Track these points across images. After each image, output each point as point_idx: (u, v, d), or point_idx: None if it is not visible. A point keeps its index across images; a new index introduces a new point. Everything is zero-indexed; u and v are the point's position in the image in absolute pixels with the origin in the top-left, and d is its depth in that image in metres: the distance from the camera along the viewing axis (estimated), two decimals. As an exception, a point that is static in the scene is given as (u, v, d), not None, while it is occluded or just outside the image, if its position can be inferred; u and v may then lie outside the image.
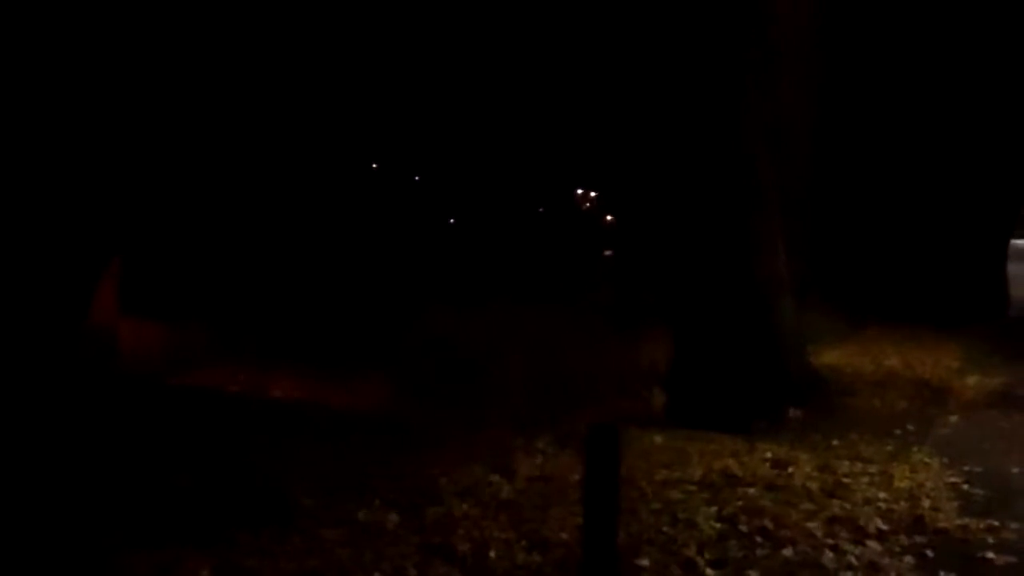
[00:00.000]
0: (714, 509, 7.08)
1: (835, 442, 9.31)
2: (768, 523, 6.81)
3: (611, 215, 35.37)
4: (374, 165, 34.88)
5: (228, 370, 13.68)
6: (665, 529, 6.66)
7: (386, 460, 8.42)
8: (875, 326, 17.00)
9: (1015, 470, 8.54)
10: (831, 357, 13.77)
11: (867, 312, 17.95)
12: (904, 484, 7.92)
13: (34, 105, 11.15)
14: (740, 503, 7.21)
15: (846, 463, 8.48)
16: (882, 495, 7.60)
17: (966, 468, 8.53)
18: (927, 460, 8.77)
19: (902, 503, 7.44)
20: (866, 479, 8.03)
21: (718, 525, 6.75)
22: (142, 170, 13.38)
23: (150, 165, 13.69)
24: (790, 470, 8.13)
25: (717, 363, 10.32)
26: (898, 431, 9.96)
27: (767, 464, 8.34)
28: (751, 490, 7.57)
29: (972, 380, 12.82)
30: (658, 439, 9.16)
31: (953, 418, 10.70)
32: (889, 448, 9.15)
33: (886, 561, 6.31)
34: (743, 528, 6.73)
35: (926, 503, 7.45)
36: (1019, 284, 22.44)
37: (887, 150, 20.17)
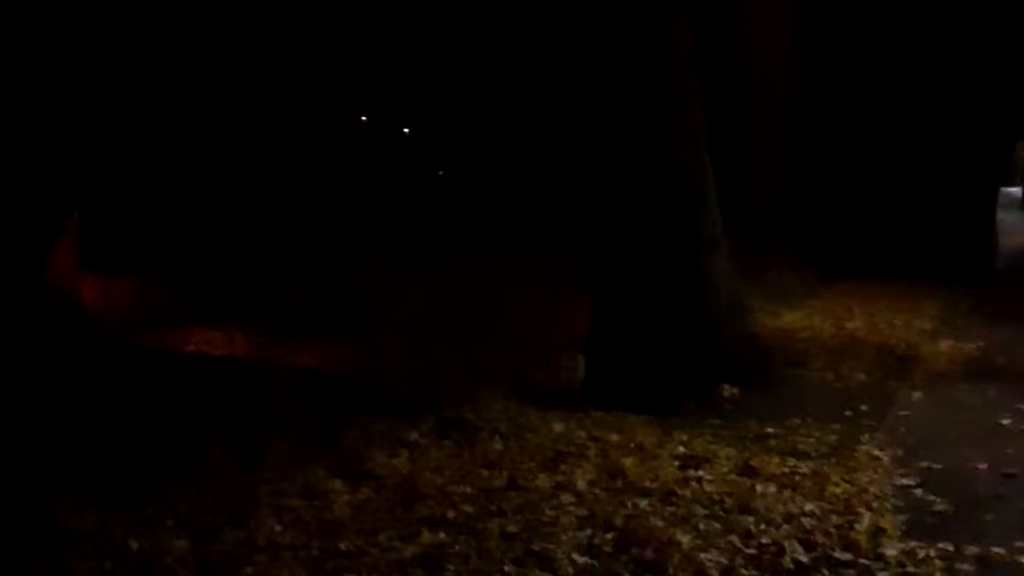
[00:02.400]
0: (585, 534, 5.40)
1: (769, 429, 7.66)
2: (649, 554, 5.13)
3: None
4: (363, 118, 33.00)
5: (191, 328, 12.53)
6: (508, 570, 4.97)
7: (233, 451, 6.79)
8: (846, 282, 15.28)
9: (982, 466, 6.89)
10: (788, 319, 12.12)
11: (840, 267, 16.25)
12: (841, 490, 6.26)
13: None
14: (622, 523, 5.54)
15: (775, 460, 6.82)
16: (810, 507, 5.93)
17: (923, 464, 6.89)
18: (876, 453, 7.13)
19: (834, 519, 5.76)
20: (795, 483, 6.35)
21: (581, 560, 5.07)
22: (101, 118, 12.87)
23: (110, 112, 13.19)
24: (700, 472, 6.45)
25: (638, 332, 8.65)
26: (848, 412, 8.31)
27: (675, 463, 6.68)
28: (643, 502, 5.91)
29: (945, 345, 11.17)
30: (557, 427, 7.50)
31: (917, 395, 9.04)
32: (833, 437, 7.49)
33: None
34: (614, 565, 5.05)
35: (865, 519, 5.77)
36: (1009, 234, 20.69)
37: (867, 92, 18.40)
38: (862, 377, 9.63)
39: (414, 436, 7.18)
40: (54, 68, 11.40)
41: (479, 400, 7.99)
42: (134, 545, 5.22)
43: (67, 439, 7.07)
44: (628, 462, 6.58)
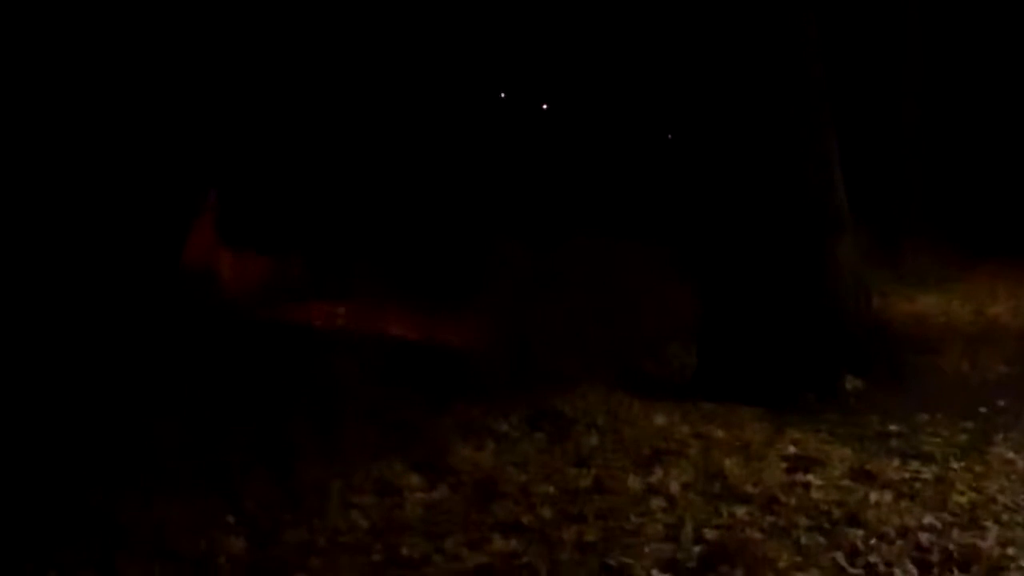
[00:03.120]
0: (670, 547, 4.86)
1: (892, 426, 6.99)
2: (739, 573, 4.57)
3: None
4: (502, 94, 32.48)
5: (326, 304, 12.14)
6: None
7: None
8: (991, 263, 14.25)
9: None
10: (924, 303, 11.30)
11: (988, 246, 15.19)
12: (967, 500, 5.58)
13: (132, 36, 10.93)
14: (713, 535, 4.98)
15: (895, 463, 6.16)
16: (930, 519, 5.27)
17: (1064, 471, 6.13)
18: (1010, 456, 6.39)
19: (955, 534, 5.10)
20: (914, 491, 5.69)
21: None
22: (240, 103, 13.17)
23: (248, 97, 13.48)
24: (809, 476, 5.84)
25: (754, 319, 8.02)
26: (983, 408, 7.55)
27: (783, 465, 6.07)
28: (741, 510, 5.34)
29: (1099, 334, 10.22)
30: (659, 421, 6.95)
31: (1062, 389, 8.19)
32: (963, 437, 6.79)
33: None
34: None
35: (991, 535, 5.09)
36: None
37: (1006, 61, 17.22)
38: (1002, 368, 8.82)
39: (504, 427, 6.73)
40: (195, 51, 11.74)
41: (579, 389, 7.48)
42: (188, 545, 4.86)
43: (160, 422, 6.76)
44: (730, 462, 6.00)
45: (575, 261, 14.02)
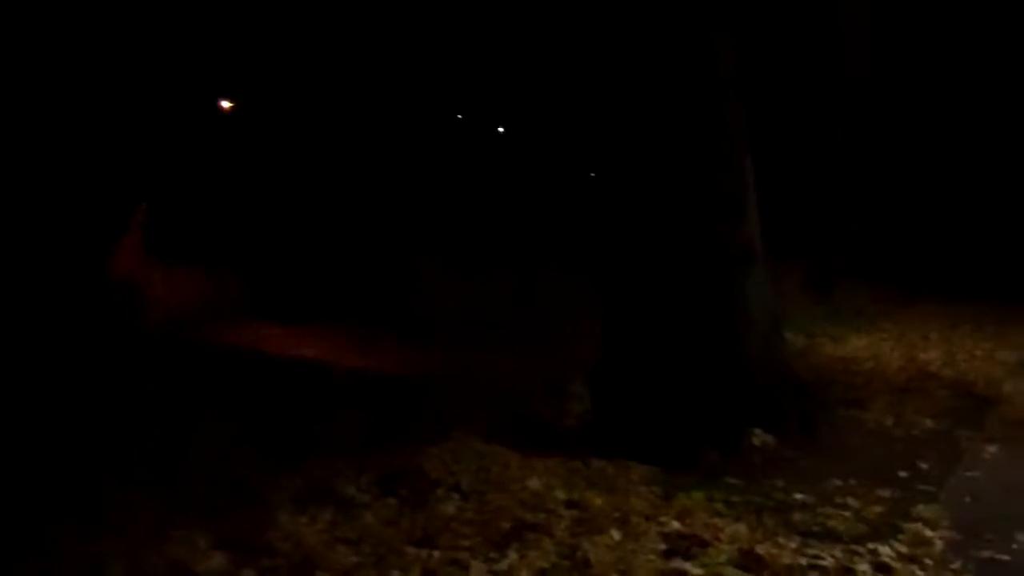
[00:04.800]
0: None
1: (798, 495, 6.04)
2: None
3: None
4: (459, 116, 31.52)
5: (250, 324, 12.28)
6: None
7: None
8: (927, 303, 13.42)
9: (1066, 558, 5.17)
10: (853, 346, 10.42)
11: (923, 287, 14.38)
12: (871, 594, 4.60)
13: (63, 49, 10.68)
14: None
15: (793, 544, 5.20)
16: (822, 623, 4.28)
17: (985, 553, 5.22)
18: (928, 534, 5.45)
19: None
20: (812, 581, 4.72)
21: None
22: (170, 112, 12.97)
23: (179, 106, 13.27)
24: (688, 565, 4.85)
25: (651, 363, 7.07)
26: (903, 472, 6.65)
27: (662, 546, 5.09)
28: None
29: (1032, 384, 9.35)
30: (532, 484, 5.95)
31: (991, 449, 7.34)
32: (877, 509, 5.86)
33: None
34: None
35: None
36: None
37: (955, 100, 16.52)
38: (928, 423, 7.92)
39: (351, 490, 5.72)
40: (123, 66, 11.45)
41: (452, 442, 6.47)
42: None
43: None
44: (599, 544, 5.01)
45: (503, 286, 13.27)
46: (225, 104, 19.73)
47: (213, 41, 13.62)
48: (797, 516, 5.67)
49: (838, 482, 6.34)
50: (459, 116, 30.35)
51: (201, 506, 5.33)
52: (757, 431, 7.04)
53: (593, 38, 8.01)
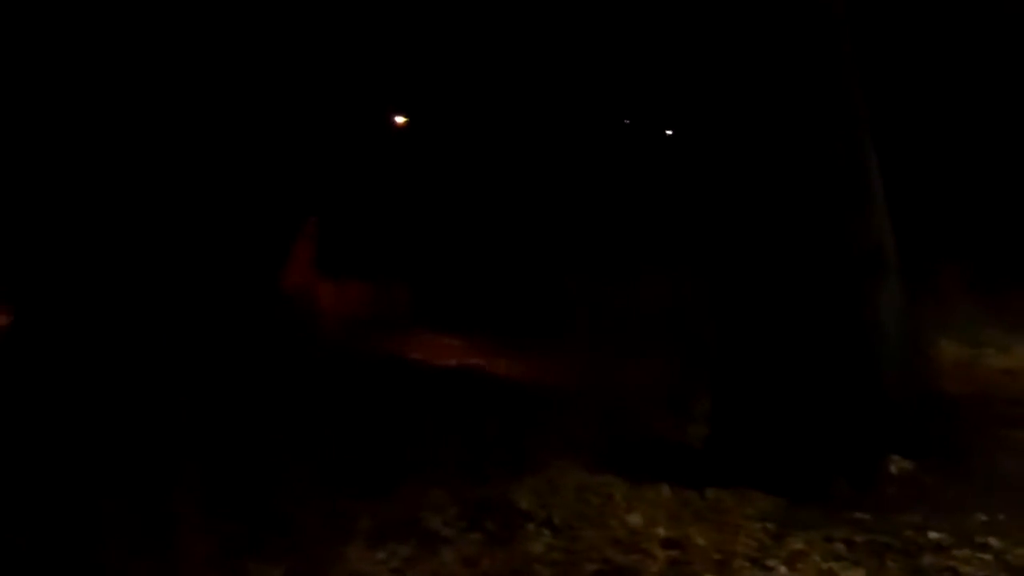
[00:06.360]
0: None
1: (933, 533, 5.31)
2: None
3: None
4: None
5: (419, 334, 12.21)
6: None
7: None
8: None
9: None
10: (1014, 358, 9.39)
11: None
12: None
13: (239, 63, 10.68)
14: None
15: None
16: None
17: None
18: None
19: None
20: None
21: None
22: (340, 125, 12.84)
23: (349, 118, 13.17)
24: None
25: (774, 383, 6.40)
26: (1062, 506, 5.78)
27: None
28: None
29: None
30: (633, 519, 5.45)
31: None
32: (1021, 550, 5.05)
33: None
34: None
35: None
36: None
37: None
38: (1098, 448, 6.97)
39: (436, 523, 5.27)
40: (295, 78, 11.24)
41: (551, 470, 5.97)
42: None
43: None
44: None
45: (642, 297, 12.80)
46: (399, 119, 19.82)
47: (386, 56, 13.63)
48: (927, 560, 4.98)
49: (983, 517, 5.58)
50: (626, 121, 29.65)
51: (293, 533, 5.01)
52: (895, 457, 6.31)
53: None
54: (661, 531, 5.23)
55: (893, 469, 6.24)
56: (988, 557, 5.02)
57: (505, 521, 5.34)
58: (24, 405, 7.25)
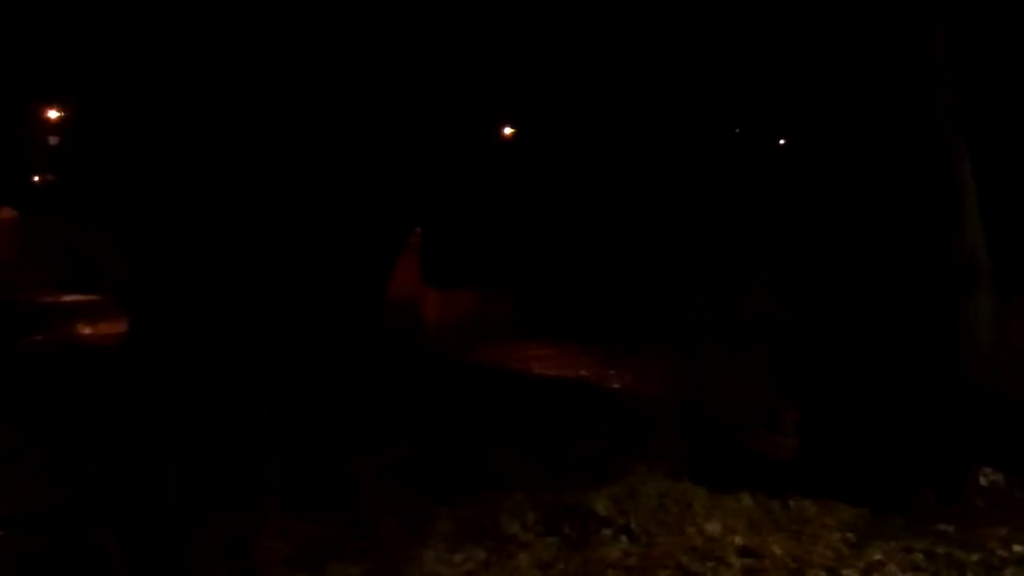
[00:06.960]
0: None
1: (1018, 547, 5.21)
2: None
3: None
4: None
5: (530, 344, 12.53)
6: None
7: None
8: None
9: None
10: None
11: None
12: None
13: (347, 77, 10.63)
14: None
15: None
16: None
17: None
18: None
19: None
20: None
21: None
22: (446, 141, 12.56)
23: (456, 135, 12.87)
24: (853, 631, 4.20)
25: (863, 395, 6.32)
26: None
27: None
28: None
29: None
30: (711, 527, 5.43)
31: None
32: (1111, 570, 4.93)
33: None
34: None
35: None
36: None
37: None
38: None
39: (514, 527, 5.34)
40: (404, 90, 11.28)
41: (632, 476, 5.99)
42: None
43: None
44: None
45: (744, 308, 12.68)
46: (507, 131, 19.90)
47: (495, 67, 13.72)
48: (1009, 573, 4.89)
49: (1071, 532, 5.44)
50: (736, 130, 29.29)
51: (372, 534, 5.14)
52: (987, 470, 6.20)
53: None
54: (738, 539, 5.22)
55: (983, 481, 6.14)
56: (1073, 571, 4.90)
57: (582, 526, 5.37)
58: (138, 407, 7.49)
